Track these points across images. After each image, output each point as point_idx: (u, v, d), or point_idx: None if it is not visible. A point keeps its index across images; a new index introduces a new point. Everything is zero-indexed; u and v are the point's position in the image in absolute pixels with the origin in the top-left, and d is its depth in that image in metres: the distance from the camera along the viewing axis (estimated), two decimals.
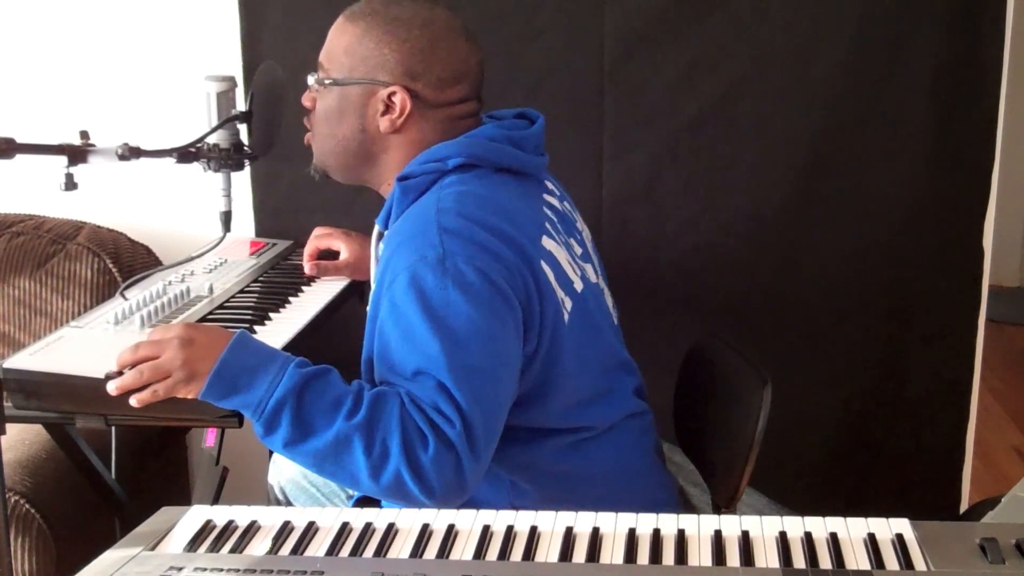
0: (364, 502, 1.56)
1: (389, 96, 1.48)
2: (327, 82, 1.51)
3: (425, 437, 1.29)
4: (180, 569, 1.07)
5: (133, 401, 1.33)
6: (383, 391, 1.33)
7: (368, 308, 1.47)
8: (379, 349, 1.37)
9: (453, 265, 1.33)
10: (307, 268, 1.90)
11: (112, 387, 1.34)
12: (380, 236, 1.57)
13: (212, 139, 1.59)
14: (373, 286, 1.47)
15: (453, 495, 1.30)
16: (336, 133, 1.53)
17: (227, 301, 1.75)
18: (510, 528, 1.14)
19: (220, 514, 1.20)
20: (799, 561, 1.06)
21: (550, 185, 1.63)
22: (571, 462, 1.51)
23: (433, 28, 1.49)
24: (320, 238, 1.94)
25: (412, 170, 1.48)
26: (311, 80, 1.54)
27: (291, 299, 1.79)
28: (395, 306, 1.35)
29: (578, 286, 1.51)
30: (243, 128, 1.62)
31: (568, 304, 1.46)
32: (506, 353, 1.36)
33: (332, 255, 1.94)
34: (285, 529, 1.17)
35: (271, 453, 1.89)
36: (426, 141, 1.50)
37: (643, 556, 1.09)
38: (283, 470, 1.83)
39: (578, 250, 1.58)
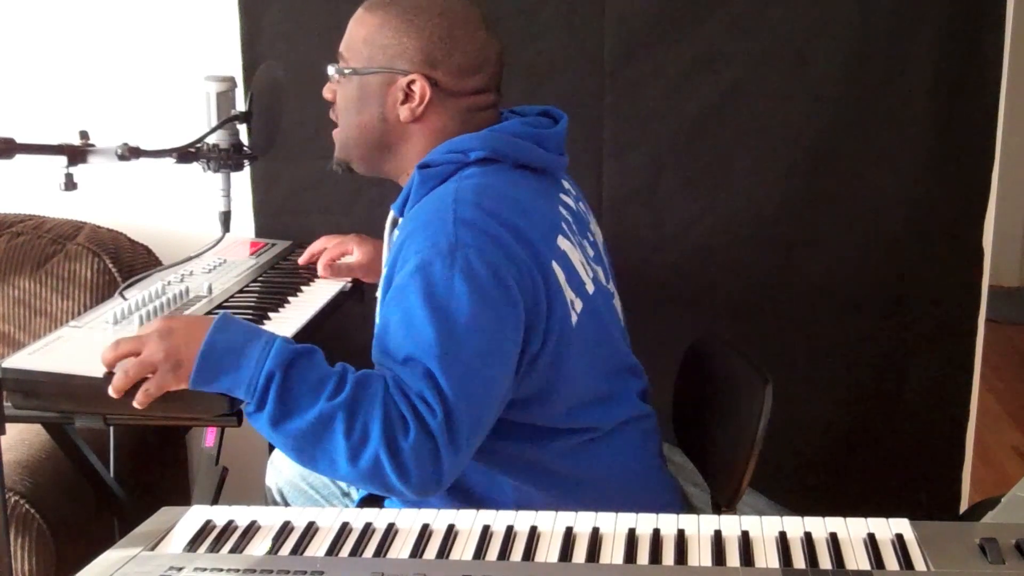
0: (368, 503, 1.56)
1: (409, 84, 1.47)
2: (347, 72, 1.51)
3: (406, 423, 1.28)
4: (180, 569, 1.07)
5: (135, 403, 1.33)
6: (368, 374, 1.32)
7: (379, 293, 1.47)
8: (379, 330, 1.37)
9: (464, 256, 1.33)
10: (320, 270, 1.91)
11: (111, 391, 1.34)
12: (395, 222, 1.57)
13: (212, 139, 1.58)
14: (384, 270, 1.46)
15: (429, 485, 1.30)
16: (356, 122, 1.53)
17: (226, 301, 1.74)
18: (510, 528, 1.14)
19: (220, 514, 1.20)
20: (799, 561, 1.06)
21: (567, 185, 1.63)
22: (575, 464, 1.50)
23: (452, 17, 1.48)
24: (336, 247, 1.94)
25: (433, 158, 1.47)
26: (331, 71, 1.54)
27: (290, 299, 1.79)
28: (400, 289, 1.35)
29: (589, 288, 1.50)
30: (243, 128, 1.62)
31: (578, 305, 1.46)
32: (502, 351, 1.36)
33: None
34: (285, 529, 1.17)
35: (270, 452, 1.89)
36: (446, 131, 1.50)
37: (643, 556, 1.09)
38: (281, 471, 1.83)
39: (591, 252, 1.58)
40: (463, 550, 1.11)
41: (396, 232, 1.51)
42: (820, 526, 1.12)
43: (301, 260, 1.97)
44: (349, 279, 1.92)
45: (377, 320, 1.43)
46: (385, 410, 1.28)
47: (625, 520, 1.15)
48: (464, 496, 1.46)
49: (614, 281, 1.66)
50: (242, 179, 2.19)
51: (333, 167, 1.59)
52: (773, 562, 1.07)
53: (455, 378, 1.29)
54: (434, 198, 1.43)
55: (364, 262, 1.91)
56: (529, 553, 1.10)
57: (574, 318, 1.44)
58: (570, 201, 1.59)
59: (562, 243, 1.47)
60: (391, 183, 1.59)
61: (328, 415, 1.27)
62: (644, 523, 1.15)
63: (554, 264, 1.42)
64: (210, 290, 1.78)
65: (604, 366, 1.53)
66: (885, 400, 2.33)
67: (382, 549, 1.12)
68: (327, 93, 1.56)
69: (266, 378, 1.28)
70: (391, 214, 1.58)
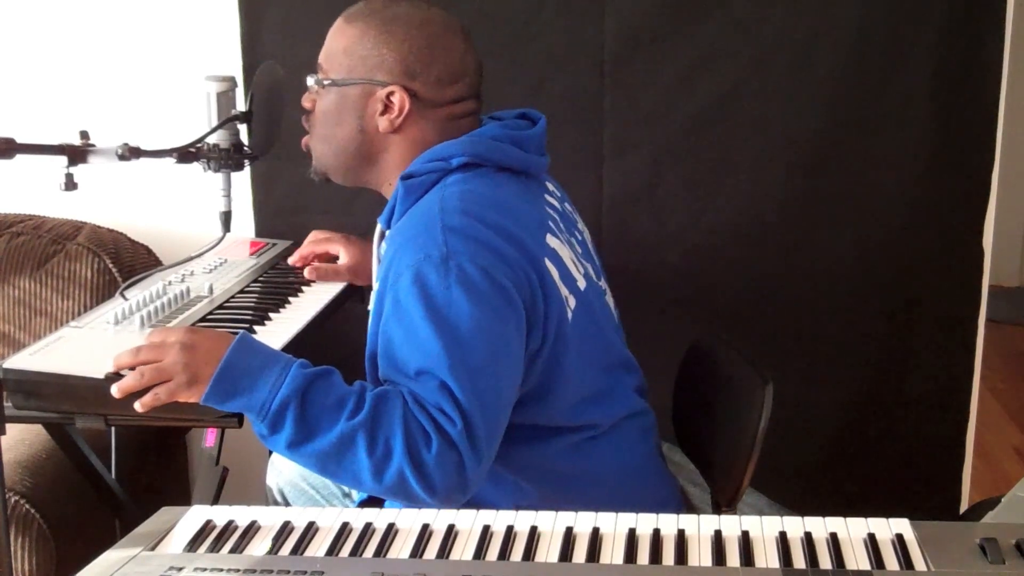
0: (369, 503, 1.56)
1: (387, 96, 1.48)
2: (326, 83, 1.52)
3: (428, 436, 1.29)
4: (180, 569, 1.07)
5: (137, 406, 1.33)
6: (386, 391, 1.33)
7: (371, 306, 1.47)
8: (382, 347, 1.38)
9: (457, 264, 1.33)
10: (306, 272, 1.89)
11: (115, 390, 1.34)
12: (383, 235, 1.57)
13: (212, 139, 1.58)
14: (376, 285, 1.47)
15: (456, 494, 1.31)
16: (335, 134, 1.53)
17: (227, 301, 1.74)
18: (510, 528, 1.14)
19: (220, 514, 1.21)
20: (799, 561, 1.06)
21: (551, 186, 1.63)
22: (575, 462, 1.51)
23: (431, 28, 1.49)
24: (319, 243, 1.93)
25: (416, 168, 1.48)
26: (310, 81, 1.54)
27: (291, 299, 1.79)
28: (398, 304, 1.35)
29: (581, 284, 1.51)
30: (243, 128, 1.62)
31: (572, 302, 1.46)
32: (508, 352, 1.37)
33: (330, 259, 1.93)
34: (285, 529, 1.17)
35: (270, 454, 1.89)
36: (426, 141, 1.50)
37: (643, 556, 1.09)
38: (282, 472, 1.83)
39: (579, 250, 1.58)
40: (463, 550, 1.11)
41: (384, 245, 1.52)
42: (820, 526, 1.12)
43: (291, 261, 1.94)
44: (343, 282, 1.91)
45: (369, 334, 1.43)
46: (406, 425, 1.29)
47: (625, 520, 1.15)
48: None
49: (605, 278, 1.67)
50: (242, 179, 2.19)
51: (312, 175, 1.60)
52: (773, 562, 1.07)
53: (468, 385, 1.30)
54: (420, 209, 1.44)
55: (351, 265, 1.89)
56: (529, 553, 1.10)
57: (569, 314, 1.45)
58: (555, 202, 1.60)
59: (551, 241, 1.47)
60: None
61: (349, 434, 1.29)
62: (644, 523, 1.15)
63: (547, 261, 1.42)
64: (211, 290, 1.78)
65: (600, 361, 1.54)
66: (885, 400, 2.33)
67: (382, 549, 1.12)
68: (306, 103, 1.56)
69: (281, 404, 1.29)
70: (378, 227, 1.58)
